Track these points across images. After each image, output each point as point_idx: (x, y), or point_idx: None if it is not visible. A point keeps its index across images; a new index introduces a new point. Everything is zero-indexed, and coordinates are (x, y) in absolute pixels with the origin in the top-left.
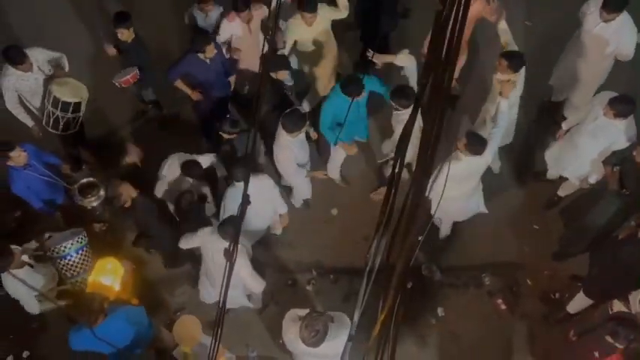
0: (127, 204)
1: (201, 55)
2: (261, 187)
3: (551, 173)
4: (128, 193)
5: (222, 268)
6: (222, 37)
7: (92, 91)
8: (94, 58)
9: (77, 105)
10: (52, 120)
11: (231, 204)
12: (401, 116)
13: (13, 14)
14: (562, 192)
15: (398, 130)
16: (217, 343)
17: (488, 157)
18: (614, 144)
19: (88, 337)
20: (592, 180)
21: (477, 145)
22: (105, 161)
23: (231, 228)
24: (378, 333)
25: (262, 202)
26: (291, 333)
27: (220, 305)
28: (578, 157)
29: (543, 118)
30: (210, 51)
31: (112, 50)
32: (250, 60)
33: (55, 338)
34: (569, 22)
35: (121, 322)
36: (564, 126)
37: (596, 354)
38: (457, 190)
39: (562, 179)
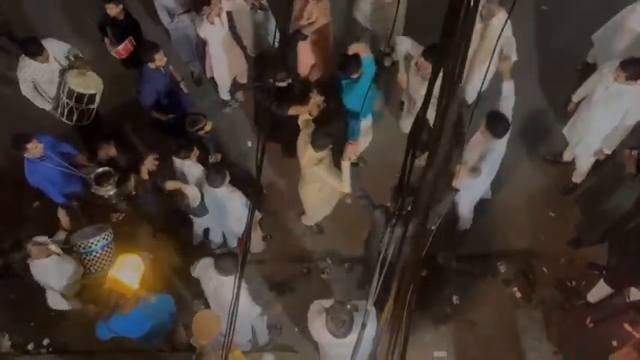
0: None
1: (152, 65)
2: (233, 197)
3: (567, 154)
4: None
5: (224, 301)
6: (202, 32)
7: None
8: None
9: (92, 97)
10: (66, 110)
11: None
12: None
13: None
14: (576, 178)
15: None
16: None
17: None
18: (627, 113)
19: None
20: (607, 151)
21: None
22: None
23: (229, 264)
24: (388, 321)
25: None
26: (318, 325)
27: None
28: (590, 130)
29: (558, 100)
30: (160, 59)
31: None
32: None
33: (74, 326)
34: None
35: (139, 315)
36: (574, 98)
37: (614, 342)
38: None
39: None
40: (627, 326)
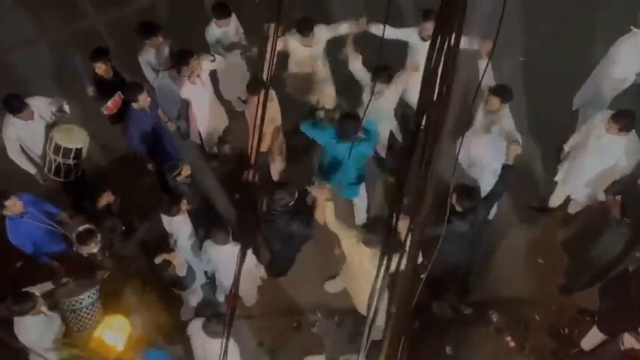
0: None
1: (136, 106)
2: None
3: (553, 200)
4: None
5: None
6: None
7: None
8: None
9: (78, 151)
10: (53, 167)
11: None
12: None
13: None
14: (572, 209)
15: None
16: None
17: None
18: (618, 163)
19: None
20: (601, 197)
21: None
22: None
23: (218, 327)
24: None
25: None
26: None
27: None
28: (584, 178)
29: (543, 151)
30: (144, 100)
31: (91, 90)
32: (213, 113)
33: None
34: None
35: None
36: (566, 147)
37: None
38: None
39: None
40: None
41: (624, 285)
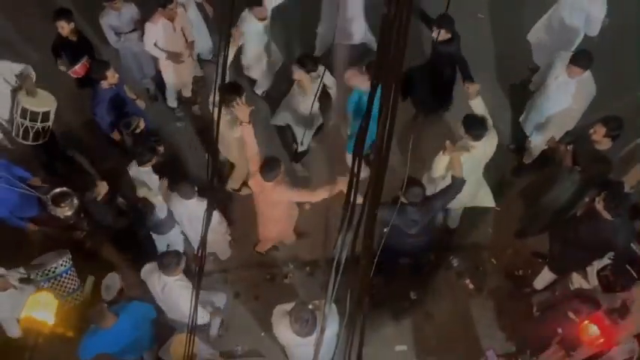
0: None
1: (104, 84)
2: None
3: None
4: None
5: (171, 302)
6: (148, 43)
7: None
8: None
9: (46, 114)
10: (21, 130)
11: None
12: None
13: None
14: (526, 159)
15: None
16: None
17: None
18: (574, 101)
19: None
20: (556, 138)
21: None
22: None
23: (170, 260)
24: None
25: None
26: (282, 327)
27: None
28: (543, 117)
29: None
30: (112, 76)
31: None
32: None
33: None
34: None
35: (123, 326)
36: (532, 87)
37: (559, 330)
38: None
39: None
40: (571, 314)
41: (573, 228)
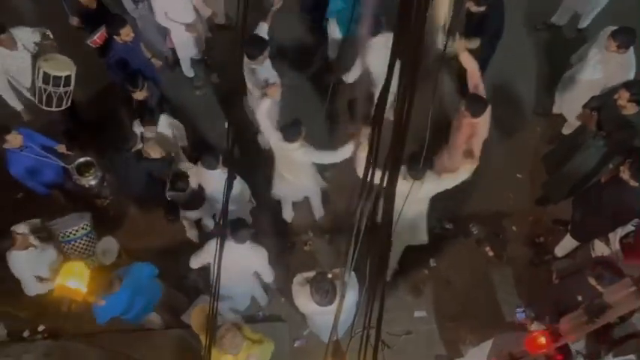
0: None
1: (118, 40)
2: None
3: (555, 107)
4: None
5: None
6: (158, 13)
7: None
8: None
9: (67, 78)
10: (44, 97)
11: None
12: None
13: None
14: (565, 130)
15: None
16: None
17: None
18: (611, 79)
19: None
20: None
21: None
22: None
23: (245, 232)
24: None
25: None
26: (302, 296)
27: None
28: (580, 92)
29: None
30: (127, 34)
31: (75, 20)
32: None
33: (67, 311)
34: None
35: (128, 290)
36: (572, 60)
37: (580, 297)
38: None
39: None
40: (592, 281)
41: (596, 195)
